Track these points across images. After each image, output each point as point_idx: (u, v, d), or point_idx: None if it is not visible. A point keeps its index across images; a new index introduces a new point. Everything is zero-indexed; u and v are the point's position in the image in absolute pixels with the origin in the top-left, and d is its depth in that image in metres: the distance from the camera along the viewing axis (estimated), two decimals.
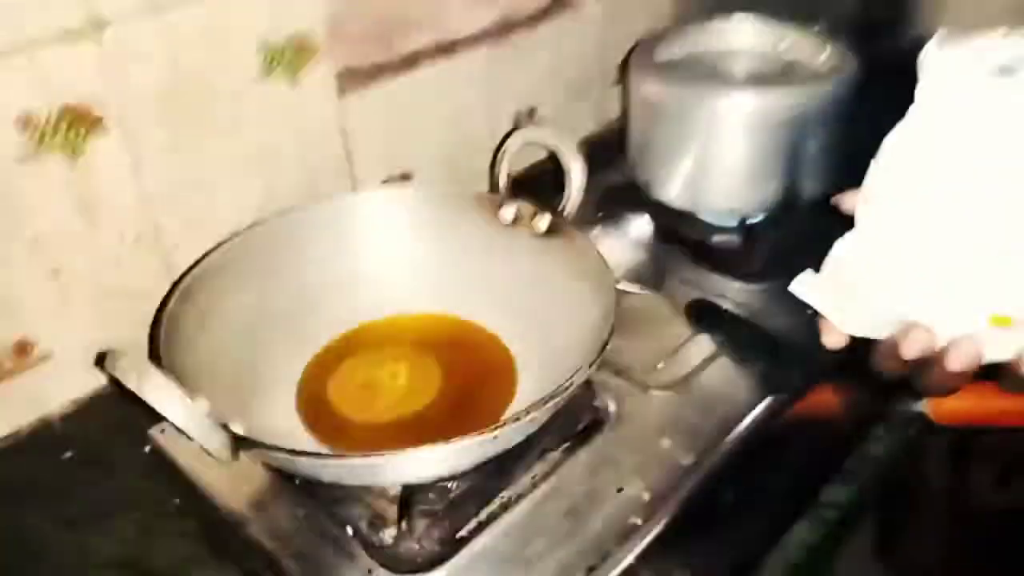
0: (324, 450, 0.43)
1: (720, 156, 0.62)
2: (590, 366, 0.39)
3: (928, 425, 0.54)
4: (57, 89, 0.51)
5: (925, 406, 0.54)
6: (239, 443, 0.36)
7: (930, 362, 0.39)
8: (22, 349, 0.56)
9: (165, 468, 0.51)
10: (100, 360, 0.37)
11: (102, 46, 0.52)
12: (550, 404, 0.38)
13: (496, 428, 0.36)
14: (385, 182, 0.75)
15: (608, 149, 0.83)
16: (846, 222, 0.43)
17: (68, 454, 0.57)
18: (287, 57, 0.63)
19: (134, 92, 0.55)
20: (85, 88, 0.53)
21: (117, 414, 0.58)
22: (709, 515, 0.44)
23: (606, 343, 0.41)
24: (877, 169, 0.40)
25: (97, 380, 0.61)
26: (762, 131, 0.60)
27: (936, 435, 0.55)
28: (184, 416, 0.34)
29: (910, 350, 0.39)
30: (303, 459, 0.36)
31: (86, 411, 0.60)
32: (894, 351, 0.39)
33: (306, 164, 0.68)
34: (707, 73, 0.68)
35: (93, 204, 0.56)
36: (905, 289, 0.39)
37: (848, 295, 0.41)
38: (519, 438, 0.40)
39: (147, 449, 0.54)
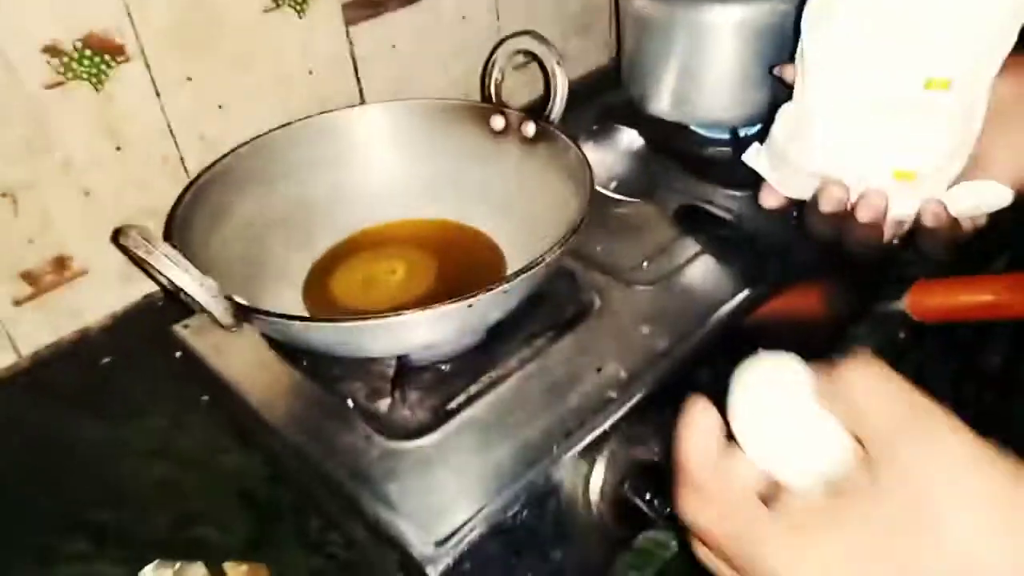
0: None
1: (709, 67, 0.63)
2: (560, 247, 0.43)
3: (907, 322, 0.56)
4: (80, 18, 0.56)
5: (905, 304, 0.57)
6: (241, 311, 0.40)
7: (846, 216, 0.42)
8: (61, 264, 0.62)
9: (194, 369, 0.56)
10: (115, 237, 0.41)
11: None
12: (522, 277, 0.41)
13: (471, 296, 0.39)
14: None
15: (615, 80, 0.85)
16: None
17: (105, 360, 0.63)
18: None
19: (152, 23, 0.59)
20: (106, 18, 0.57)
21: (151, 326, 0.63)
22: (680, 394, 0.47)
23: (578, 226, 0.44)
24: (804, 40, 0.43)
25: (132, 295, 0.66)
26: (750, 40, 0.61)
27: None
28: (190, 281, 0.38)
29: (827, 204, 0.42)
30: (296, 324, 0.40)
31: (122, 323, 0.66)
32: (816, 209, 0.43)
33: (317, 93, 0.71)
34: None
35: (118, 128, 0.60)
36: (825, 151, 0.43)
37: (783, 160, 0.45)
38: (496, 312, 0.44)
39: (178, 355, 0.59)
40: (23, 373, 0.62)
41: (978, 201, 0.44)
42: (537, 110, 0.57)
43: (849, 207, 0.44)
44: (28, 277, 0.60)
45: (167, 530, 0.50)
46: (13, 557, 0.48)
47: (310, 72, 0.70)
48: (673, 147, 0.67)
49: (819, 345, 0.57)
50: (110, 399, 0.59)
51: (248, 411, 0.49)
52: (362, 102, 0.75)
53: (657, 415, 0.45)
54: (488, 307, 0.42)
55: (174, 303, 0.53)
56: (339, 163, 0.59)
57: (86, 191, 0.61)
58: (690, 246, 0.57)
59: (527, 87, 0.87)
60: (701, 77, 0.64)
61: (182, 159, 0.65)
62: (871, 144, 0.42)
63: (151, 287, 0.67)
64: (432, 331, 0.43)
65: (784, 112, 0.46)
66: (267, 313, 0.40)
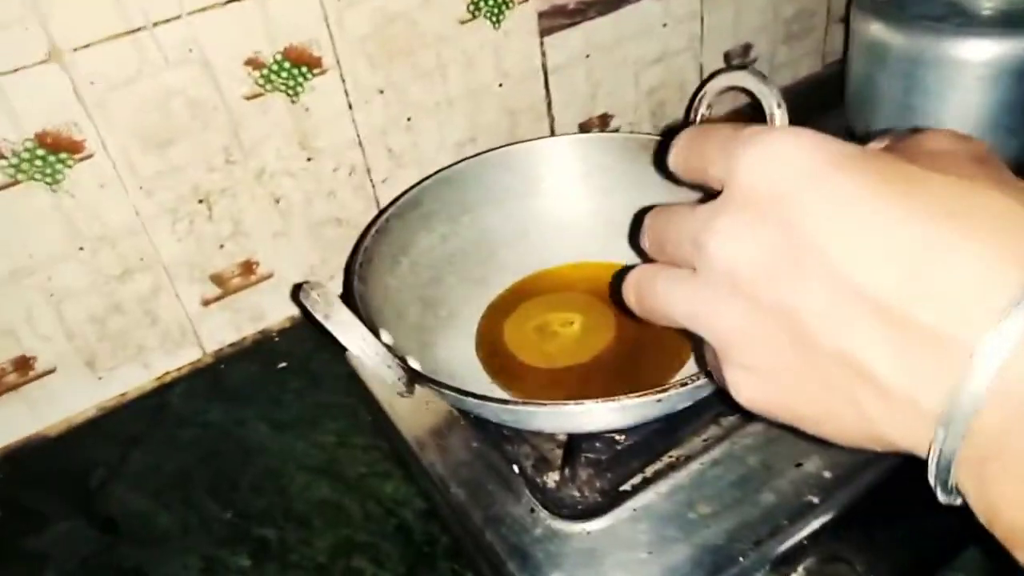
0: (496, 390, 0.44)
1: (955, 109, 0.54)
2: None
3: None
4: (281, 32, 0.55)
5: None
6: (414, 378, 0.38)
7: None
8: (248, 267, 0.63)
9: (362, 391, 0.56)
10: (296, 291, 0.41)
11: None
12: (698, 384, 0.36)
13: (661, 391, 0.35)
14: (583, 125, 0.74)
15: (829, 92, 0.76)
16: None
17: (283, 364, 0.64)
18: None
19: (348, 35, 0.58)
20: (305, 31, 0.56)
21: (326, 333, 0.64)
22: (895, 505, 0.40)
23: None
24: None
25: None
26: (1006, 80, 0.51)
27: None
28: (364, 349, 0.36)
29: None
30: (470, 399, 0.37)
31: (300, 328, 0.67)
32: None
33: (506, 105, 0.68)
34: (943, 11, 0.59)
35: (311, 138, 0.60)
36: None
37: None
38: (687, 403, 0.39)
39: (348, 371, 0.59)
40: (207, 369, 0.64)
41: None
42: None
43: None
44: (217, 279, 0.62)
45: (326, 555, 0.50)
46: (180, 566, 0.50)
47: (500, 84, 0.67)
48: None
49: None
50: (284, 406, 0.60)
51: (410, 452, 0.47)
52: (550, 115, 0.71)
53: (865, 530, 0.39)
54: (679, 400, 0.37)
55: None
56: (525, 198, 0.56)
57: (276, 198, 0.61)
58: None
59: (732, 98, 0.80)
60: (946, 119, 0.54)
61: (368, 170, 0.64)
62: None
63: None
64: (610, 419, 0.39)
65: None
66: (441, 385, 0.38)
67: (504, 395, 0.46)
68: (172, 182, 0.56)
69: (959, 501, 0.23)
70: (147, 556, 0.51)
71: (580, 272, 0.55)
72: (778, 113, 0.46)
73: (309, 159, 0.61)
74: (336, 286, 0.68)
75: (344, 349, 0.58)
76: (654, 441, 0.43)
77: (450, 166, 0.55)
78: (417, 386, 0.39)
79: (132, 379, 0.62)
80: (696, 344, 0.30)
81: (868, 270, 0.22)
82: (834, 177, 0.23)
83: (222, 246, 0.61)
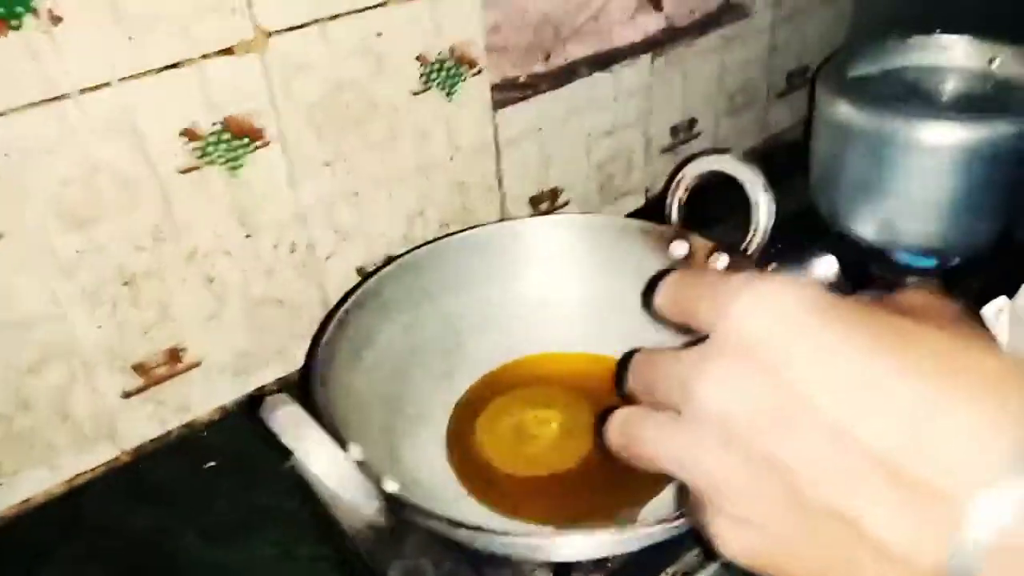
0: (471, 503, 0.40)
1: (920, 191, 0.54)
2: None
3: None
4: (221, 101, 0.51)
5: None
6: (393, 505, 0.34)
7: None
8: (174, 355, 0.57)
9: (305, 486, 0.50)
10: (253, 404, 0.36)
11: (266, 58, 0.51)
12: None
13: (666, 521, 0.31)
14: (534, 198, 0.72)
15: (772, 166, 0.76)
16: None
17: (212, 463, 0.58)
18: (445, 69, 0.60)
19: (295, 104, 0.54)
20: (248, 100, 0.52)
21: (261, 424, 0.58)
22: None
23: None
24: None
25: (242, 389, 0.61)
26: (973, 164, 0.52)
27: None
28: (339, 480, 0.32)
29: None
30: (462, 531, 0.33)
31: (231, 419, 0.61)
32: None
33: (457, 178, 0.65)
34: (908, 94, 0.60)
35: (250, 215, 0.56)
36: None
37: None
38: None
39: (288, 464, 0.54)
40: (125, 469, 0.57)
41: None
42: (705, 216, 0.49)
43: None
44: (140, 368, 0.56)
45: None
46: None
47: (451, 158, 0.64)
48: (873, 277, 0.57)
49: None
50: (215, 511, 0.54)
51: (363, 563, 0.42)
52: (501, 190, 0.69)
53: None
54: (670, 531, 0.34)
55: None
56: (491, 285, 0.52)
57: (210, 278, 0.56)
58: None
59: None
60: (911, 200, 0.55)
61: (312, 247, 0.60)
62: None
63: (262, 380, 0.62)
64: (598, 548, 0.35)
65: None
66: (427, 513, 0.33)
67: (488, 513, 0.41)
68: (95, 263, 0.50)
69: None
70: None
71: (553, 364, 0.52)
72: (763, 199, 0.44)
73: (247, 236, 0.56)
74: (272, 372, 0.62)
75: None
76: (647, 559, 0.39)
77: (410, 251, 0.51)
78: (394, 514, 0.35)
79: (38, 483, 0.54)
80: (679, 492, 0.28)
81: (866, 424, 0.22)
82: (825, 328, 0.23)
83: (147, 332, 0.55)
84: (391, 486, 0.34)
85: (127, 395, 0.56)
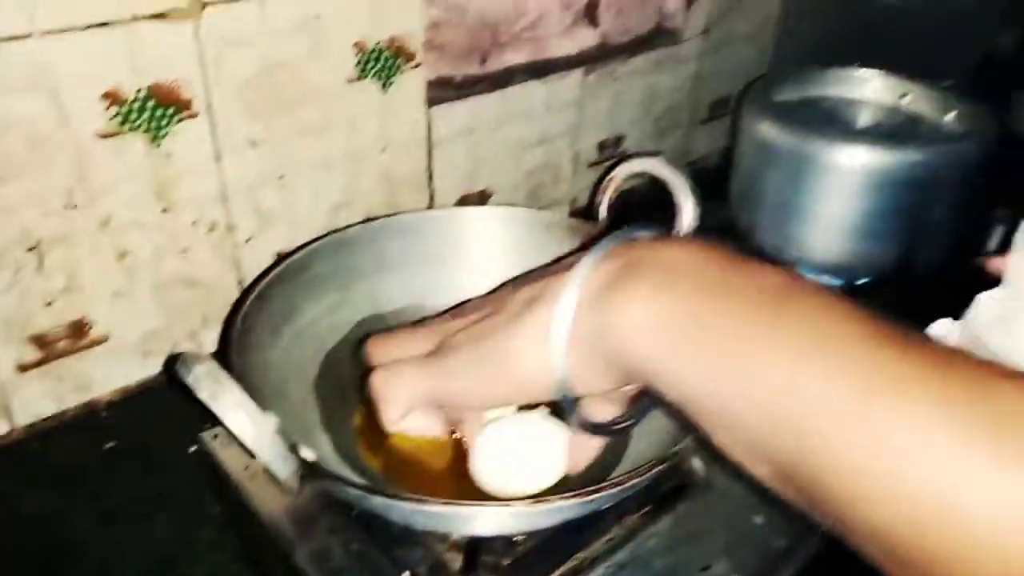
0: (388, 484, 0.39)
1: (832, 210, 0.57)
2: (672, 456, 0.35)
3: None
4: (149, 66, 0.50)
5: None
6: (308, 471, 0.33)
7: None
8: (79, 329, 0.54)
9: (209, 471, 0.48)
10: (170, 362, 0.34)
11: (200, 27, 0.50)
12: (656, 470, 0.34)
13: (595, 491, 0.32)
14: (463, 199, 0.72)
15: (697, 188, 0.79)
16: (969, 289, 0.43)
17: (111, 444, 0.55)
18: (383, 60, 0.60)
19: (226, 78, 0.53)
20: (177, 68, 0.51)
21: (164, 407, 0.56)
22: None
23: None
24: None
25: (147, 370, 0.59)
26: (881, 189, 0.55)
27: None
28: (256, 437, 0.31)
29: None
30: (377, 498, 0.32)
31: (133, 400, 0.58)
32: None
33: (387, 171, 0.65)
34: (825, 121, 0.64)
35: (170, 189, 0.54)
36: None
37: (976, 345, 0.40)
38: (608, 504, 0.36)
39: (192, 449, 0.52)
40: (17, 445, 0.54)
41: None
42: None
43: None
44: (39, 341, 0.53)
45: None
46: None
47: (383, 150, 0.64)
48: None
49: None
50: (112, 492, 0.51)
51: (272, 553, 0.41)
52: (430, 187, 0.69)
53: None
54: (603, 501, 0.34)
55: None
56: (418, 268, 0.52)
57: (122, 252, 0.54)
58: None
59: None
60: (821, 219, 0.58)
61: (231, 228, 0.58)
62: None
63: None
64: (528, 520, 0.35)
65: (983, 301, 0.41)
66: (341, 479, 0.33)
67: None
68: None
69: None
70: None
71: None
72: (688, 203, 0.46)
73: (165, 210, 0.54)
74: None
75: (194, 422, 0.51)
76: (557, 543, 0.39)
77: (341, 229, 0.51)
78: (308, 484, 0.34)
79: None
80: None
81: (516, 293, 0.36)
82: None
83: (50, 303, 0.52)
84: (308, 454, 0.33)
85: (23, 368, 0.53)
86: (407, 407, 0.38)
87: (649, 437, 0.41)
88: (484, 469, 0.38)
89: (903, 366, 0.23)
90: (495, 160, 0.73)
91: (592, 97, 0.78)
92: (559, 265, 0.34)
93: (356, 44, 0.58)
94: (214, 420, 0.33)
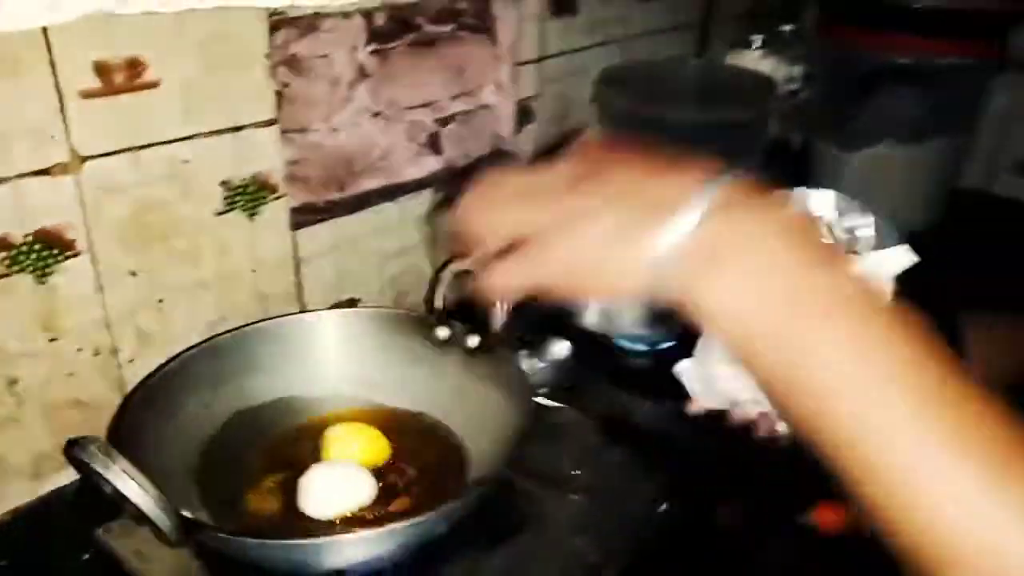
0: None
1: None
2: (486, 480, 0.44)
3: (815, 535, 0.60)
4: (35, 215, 0.57)
5: (813, 517, 0.61)
6: (188, 526, 0.39)
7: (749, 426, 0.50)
8: None
9: (103, 570, 0.53)
10: (69, 447, 0.40)
11: (80, 178, 0.58)
12: (443, 509, 0.42)
13: (423, 516, 0.40)
14: (333, 308, 0.81)
15: None
16: None
17: (3, 563, 0.59)
18: (248, 194, 0.70)
19: (105, 220, 0.61)
20: (61, 214, 0.58)
21: (57, 523, 0.60)
22: None
23: (510, 454, 0.46)
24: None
25: (38, 490, 0.63)
26: None
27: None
28: (143, 496, 0.37)
29: (734, 419, 0.50)
30: (237, 540, 0.39)
31: (26, 519, 0.62)
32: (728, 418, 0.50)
33: (258, 290, 0.73)
34: None
35: (56, 320, 0.60)
36: (732, 378, 0.50)
37: (704, 379, 0.52)
38: (439, 529, 0.44)
39: (86, 556, 0.56)
40: None
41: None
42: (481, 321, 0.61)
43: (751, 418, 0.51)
44: None
45: None
46: None
47: (253, 270, 0.72)
48: (598, 358, 0.71)
49: (737, 556, 0.59)
50: None
51: None
52: (301, 300, 0.77)
53: None
54: (438, 521, 0.42)
55: (84, 502, 0.51)
56: (284, 369, 0.60)
57: (12, 380, 0.59)
58: (616, 454, 0.60)
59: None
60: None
61: (115, 351, 0.65)
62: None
63: (60, 482, 0.64)
64: (380, 546, 0.43)
65: (702, 345, 0.52)
66: (213, 528, 0.40)
67: None
68: None
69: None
70: None
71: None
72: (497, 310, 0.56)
73: (52, 340, 0.61)
74: (69, 475, 0.64)
75: (84, 536, 0.55)
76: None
77: (212, 338, 0.58)
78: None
79: None
80: None
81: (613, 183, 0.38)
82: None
83: None
84: (186, 512, 0.40)
85: None
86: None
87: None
88: (310, 501, 0.47)
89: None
90: (360, 271, 0.83)
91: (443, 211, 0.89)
92: (669, 175, 0.37)
93: (223, 183, 0.68)
94: (108, 512, 0.39)
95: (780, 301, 0.33)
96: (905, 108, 1.15)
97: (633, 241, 0.35)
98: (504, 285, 0.40)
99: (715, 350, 0.52)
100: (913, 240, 0.53)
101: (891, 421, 0.31)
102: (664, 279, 0.35)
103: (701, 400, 0.56)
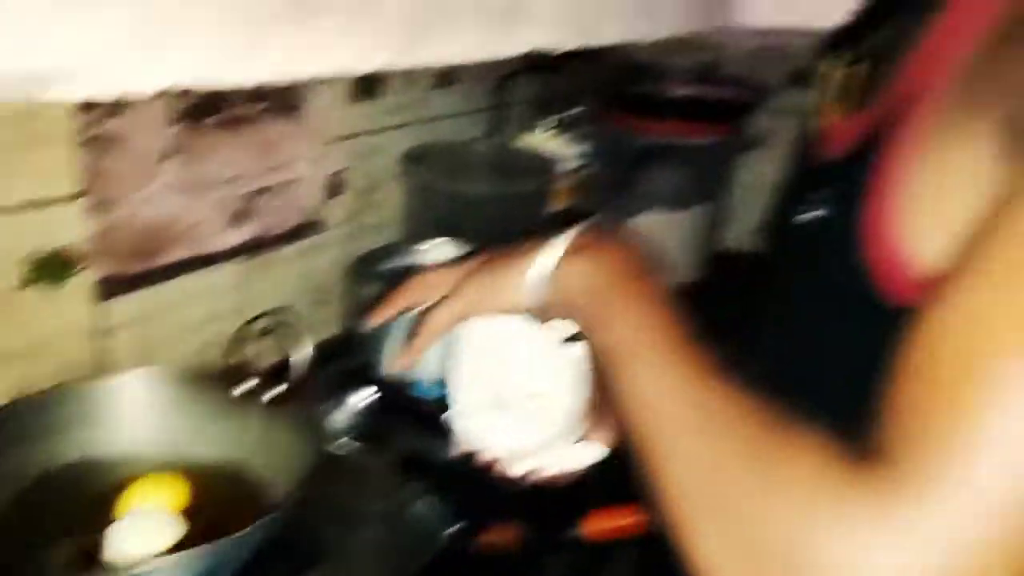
0: None
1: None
2: (273, 508, 0.50)
3: (583, 543, 0.70)
4: None
5: (580, 529, 0.71)
6: None
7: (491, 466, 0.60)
8: None
9: None
10: None
11: None
12: (233, 538, 0.48)
13: (214, 543, 0.45)
14: None
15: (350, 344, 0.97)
16: None
17: None
18: (51, 267, 0.72)
19: None
20: None
21: None
22: None
23: (300, 484, 0.53)
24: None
25: None
26: None
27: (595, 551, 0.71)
28: None
29: (480, 460, 0.59)
30: None
31: None
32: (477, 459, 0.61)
33: (62, 359, 0.75)
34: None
35: None
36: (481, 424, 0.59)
37: (465, 424, 0.61)
38: (234, 557, 0.49)
39: None
40: None
41: (579, 459, 0.60)
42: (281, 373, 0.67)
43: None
44: None
45: None
46: None
47: (60, 341, 0.74)
48: (400, 402, 0.79)
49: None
50: None
51: None
52: (108, 370, 0.79)
53: None
54: (230, 550, 0.48)
55: None
56: (88, 429, 0.63)
57: None
58: (412, 490, 0.67)
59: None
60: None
61: None
62: (494, 432, 0.58)
63: None
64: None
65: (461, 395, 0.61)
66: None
67: None
68: None
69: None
70: None
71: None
72: (303, 348, 0.63)
73: None
74: None
75: None
76: None
77: (14, 401, 0.61)
78: None
79: None
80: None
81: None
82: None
83: None
84: None
85: None
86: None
87: None
88: (115, 549, 0.53)
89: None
90: (169, 339, 0.86)
91: (253, 280, 0.94)
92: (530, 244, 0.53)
93: (24, 257, 0.70)
94: None
95: (601, 298, 0.48)
96: (670, 180, 1.35)
97: (528, 260, 0.52)
98: (440, 320, 0.57)
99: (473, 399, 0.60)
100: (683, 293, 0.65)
101: (643, 364, 0.44)
102: (540, 293, 0.51)
103: (463, 444, 0.64)
